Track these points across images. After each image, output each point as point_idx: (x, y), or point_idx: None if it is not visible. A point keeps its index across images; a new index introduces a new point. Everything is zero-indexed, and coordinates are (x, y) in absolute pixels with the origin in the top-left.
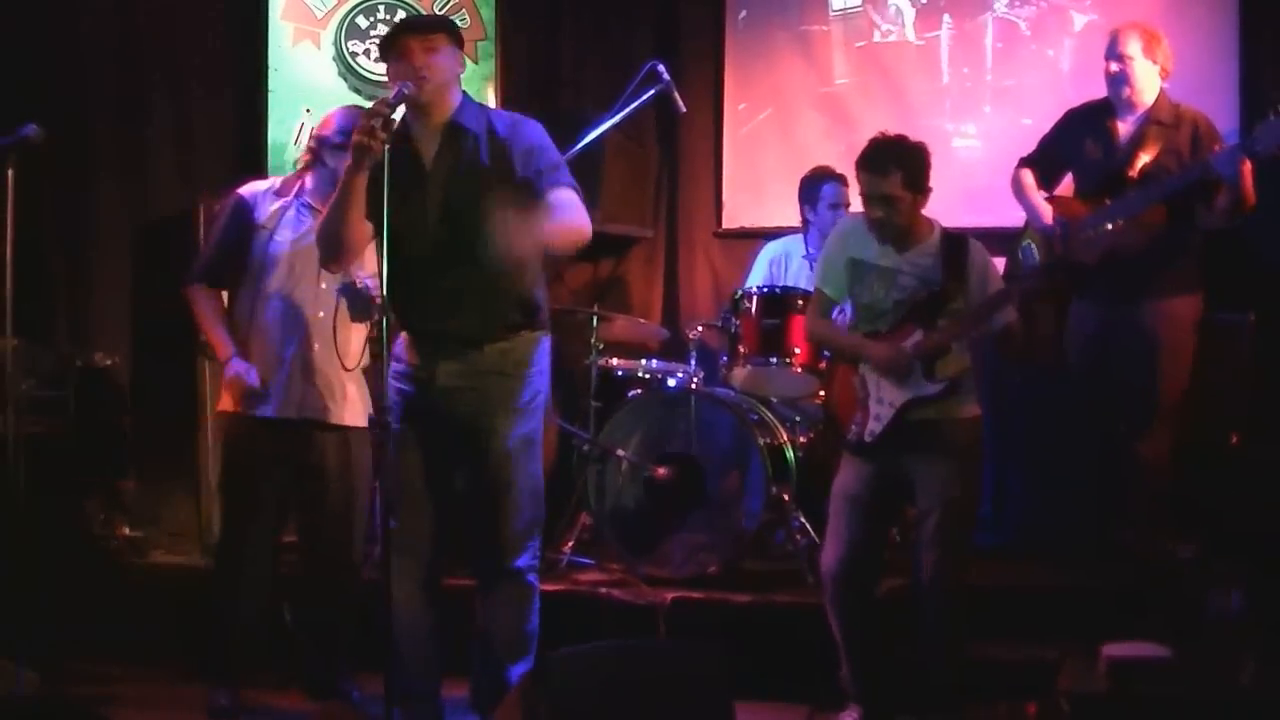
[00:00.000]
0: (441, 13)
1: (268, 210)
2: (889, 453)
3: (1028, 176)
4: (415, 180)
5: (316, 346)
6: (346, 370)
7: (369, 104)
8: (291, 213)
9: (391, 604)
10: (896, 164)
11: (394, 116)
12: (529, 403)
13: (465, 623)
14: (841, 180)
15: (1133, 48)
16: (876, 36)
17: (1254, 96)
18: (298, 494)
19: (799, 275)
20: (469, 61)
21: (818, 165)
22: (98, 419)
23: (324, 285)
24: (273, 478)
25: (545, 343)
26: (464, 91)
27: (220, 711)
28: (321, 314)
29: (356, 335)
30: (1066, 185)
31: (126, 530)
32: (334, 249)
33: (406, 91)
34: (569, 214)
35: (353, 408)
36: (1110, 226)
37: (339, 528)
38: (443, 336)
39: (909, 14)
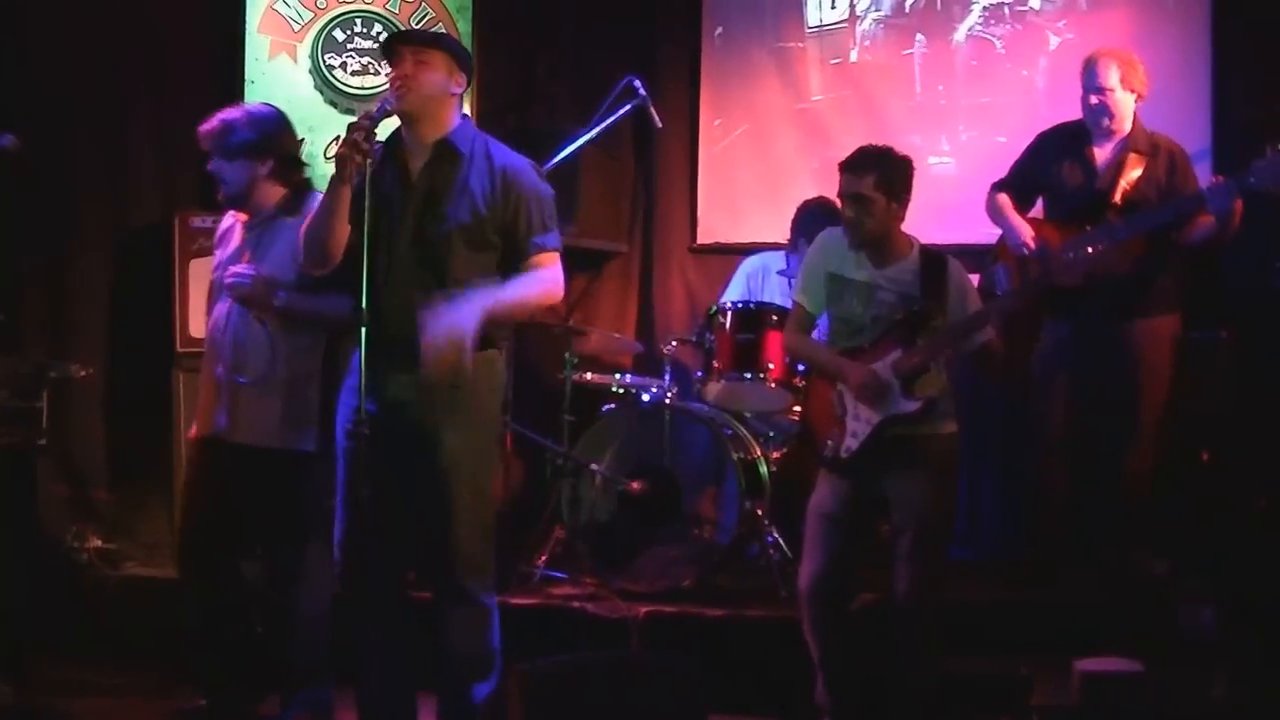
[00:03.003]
0: (419, 26)
1: (219, 236)
2: (865, 469)
3: (1005, 199)
4: (398, 191)
5: (228, 367)
6: (250, 386)
7: (345, 117)
8: (224, 233)
9: (354, 618)
10: (874, 166)
11: (376, 130)
12: (477, 419)
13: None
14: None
15: (1112, 79)
16: (852, 55)
17: (1226, 116)
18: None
19: (775, 291)
20: None
21: (827, 201)
22: (72, 430)
23: (228, 302)
24: (214, 498)
25: (498, 362)
26: (466, 116)
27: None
28: (228, 333)
29: (256, 349)
30: (1036, 209)
31: (100, 542)
32: (317, 255)
33: (389, 106)
34: (540, 285)
35: (260, 427)
36: (1091, 251)
37: (277, 546)
38: (395, 347)
39: (883, 32)
